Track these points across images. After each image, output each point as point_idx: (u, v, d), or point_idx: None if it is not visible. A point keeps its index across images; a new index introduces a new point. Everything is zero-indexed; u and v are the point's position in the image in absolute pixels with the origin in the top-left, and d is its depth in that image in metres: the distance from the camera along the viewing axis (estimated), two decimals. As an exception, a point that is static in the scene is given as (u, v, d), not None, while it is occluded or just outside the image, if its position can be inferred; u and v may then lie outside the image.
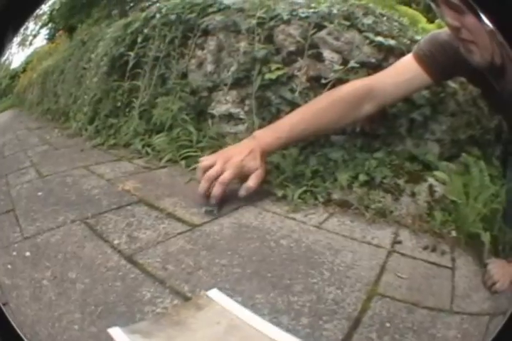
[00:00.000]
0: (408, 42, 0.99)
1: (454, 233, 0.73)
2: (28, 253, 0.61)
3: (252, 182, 0.69)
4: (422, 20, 1.84)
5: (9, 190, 0.92)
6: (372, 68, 0.92)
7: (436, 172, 0.81)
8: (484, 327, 0.55)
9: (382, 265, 0.60)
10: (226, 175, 0.68)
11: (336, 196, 0.73)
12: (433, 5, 0.71)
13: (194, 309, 0.38)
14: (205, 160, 0.71)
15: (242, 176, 0.70)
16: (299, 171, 0.76)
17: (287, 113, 0.90)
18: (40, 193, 0.85)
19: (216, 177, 0.68)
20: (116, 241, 0.60)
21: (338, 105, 0.75)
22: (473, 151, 0.91)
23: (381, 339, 0.48)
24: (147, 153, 0.92)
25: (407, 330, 0.50)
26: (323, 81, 0.87)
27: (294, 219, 0.66)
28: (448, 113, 0.96)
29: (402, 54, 0.94)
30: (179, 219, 0.66)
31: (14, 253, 0.62)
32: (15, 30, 0.50)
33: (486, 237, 0.68)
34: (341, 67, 0.88)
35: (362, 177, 0.75)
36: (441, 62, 0.75)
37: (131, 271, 0.53)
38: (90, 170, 0.91)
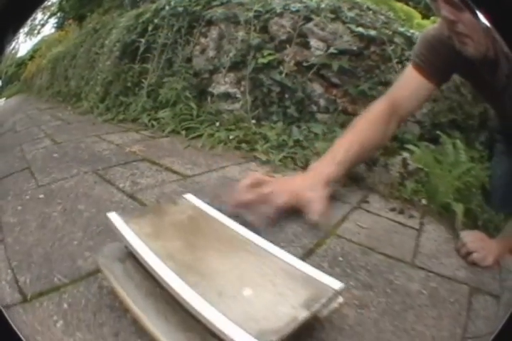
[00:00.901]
0: (391, 33, 1.14)
1: (424, 201, 0.79)
2: (41, 196, 0.72)
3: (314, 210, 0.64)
4: (417, 16, 1.98)
5: (24, 155, 1.03)
6: (354, 55, 1.08)
7: (409, 146, 0.89)
8: (464, 298, 0.59)
9: (344, 215, 0.70)
10: (280, 201, 0.64)
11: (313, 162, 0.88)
12: None
13: (172, 204, 0.52)
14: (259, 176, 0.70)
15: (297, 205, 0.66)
16: (283, 141, 0.90)
17: (277, 93, 1.06)
18: (55, 155, 0.98)
19: (263, 196, 0.64)
20: (121, 185, 0.74)
21: (374, 128, 0.77)
22: (453, 134, 0.98)
23: (332, 269, 0.55)
24: (152, 126, 1.07)
25: (360, 268, 0.56)
26: (304, 63, 1.02)
27: (271, 175, 0.80)
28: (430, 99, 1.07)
29: (383, 43, 1.09)
30: (175, 172, 0.80)
31: (27, 197, 0.72)
32: (15, 31, 0.50)
33: (457, 207, 0.73)
34: (322, 52, 1.03)
35: (337, 147, 0.89)
36: (438, 64, 0.77)
37: (130, 203, 0.66)
38: (101, 138, 1.06)
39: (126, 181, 0.76)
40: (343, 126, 0.99)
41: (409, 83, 0.80)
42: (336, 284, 0.39)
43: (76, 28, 2.43)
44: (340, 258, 0.57)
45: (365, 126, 0.76)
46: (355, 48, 1.08)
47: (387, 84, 1.00)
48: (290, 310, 0.34)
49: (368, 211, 0.73)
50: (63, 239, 0.57)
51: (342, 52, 1.07)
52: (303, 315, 0.34)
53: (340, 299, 0.43)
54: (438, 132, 0.98)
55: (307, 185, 0.68)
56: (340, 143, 0.75)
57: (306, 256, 0.56)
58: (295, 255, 0.45)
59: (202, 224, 0.45)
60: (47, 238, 0.57)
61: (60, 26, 2.54)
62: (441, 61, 0.76)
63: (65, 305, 0.46)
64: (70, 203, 0.68)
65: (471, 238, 0.70)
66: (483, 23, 0.61)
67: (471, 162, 0.88)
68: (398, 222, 0.71)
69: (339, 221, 0.69)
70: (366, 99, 1.03)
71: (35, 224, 0.62)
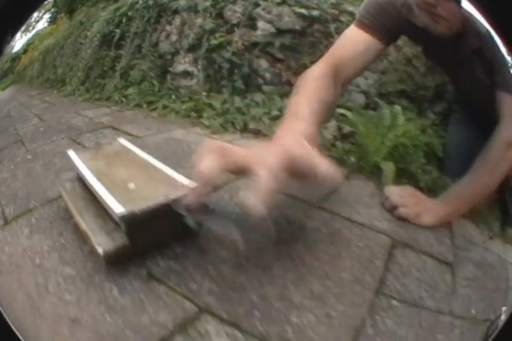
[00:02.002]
0: (337, 12, 1.30)
1: (353, 159, 0.82)
2: (29, 157, 0.93)
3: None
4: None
5: (17, 132, 1.21)
6: (297, 33, 1.24)
7: (342, 110, 0.94)
8: (381, 248, 0.60)
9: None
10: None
11: (251, 126, 1.06)
12: None
13: (109, 145, 0.71)
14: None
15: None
16: (226, 109, 1.08)
17: (227, 70, 1.24)
18: (41, 129, 1.18)
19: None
20: (87, 145, 0.94)
21: (322, 88, 0.69)
22: (400, 102, 1.01)
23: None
24: (121, 101, 1.26)
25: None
26: (251, 43, 1.20)
27: (210, 137, 0.99)
28: (377, 70, 1.14)
29: (327, 21, 1.26)
30: (130, 134, 0.99)
31: (18, 159, 0.93)
32: (14, 31, 0.53)
33: (386, 165, 0.76)
34: (264, 32, 1.21)
35: (273, 112, 1.07)
36: (387, 25, 0.75)
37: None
38: (79, 113, 1.26)
39: (91, 142, 0.96)
40: (284, 95, 1.17)
41: (353, 42, 0.76)
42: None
43: (67, 20, 2.62)
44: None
45: (314, 86, 0.69)
46: (298, 27, 1.25)
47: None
48: (159, 197, 0.52)
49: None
50: (41, 181, 0.78)
51: (286, 32, 1.24)
52: (164, 198, 0.52)
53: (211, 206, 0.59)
54: (377, 99, 1.05)
55: (292, 142, 0.50)
56: (297, 104, 0.64)
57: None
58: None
59: (122, 154, 0.65)
60: (30, 182, 0.79)
61: (53, 21, 2.74)
62: (390, 23, 0.74)
63: (33, 220, 0.65)
64: (48, 159, 0.90)
65: (397, 192, 0.70)
66: (463, 8, 0.64)
67: (423, 131, 0.92)
68: None
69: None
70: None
71: (22, 175, 0.83)
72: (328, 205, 0.68)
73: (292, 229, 0.61)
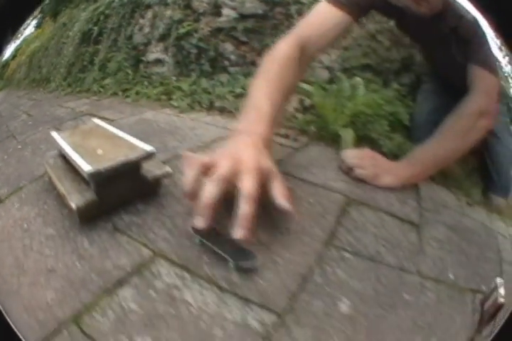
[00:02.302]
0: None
1: (313, 128, 0.87)
2: (19, 146, 1.02)
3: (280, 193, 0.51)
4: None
5: (9, 129, 1.30)
6: (260, 17, 1.32)
7: (303, 85, 0.96)
8: (333, 204, 0.62)
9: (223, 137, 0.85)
10: (249, 185, 0.48)
11: (217, 104, 1.14)
12: None
13: (85, 124, 0.81)
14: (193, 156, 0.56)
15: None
16: (194, 90, 1.17)
17: (195, 54, 1.33)
18: (30, 123, 1.29)
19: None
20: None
21: (288, 70, 0.70)
22: (364, 76, 1.05)
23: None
24: (100, 91, 1.36)
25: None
26: (215, 28, 1.29)
27: (178, 116, 1.08)
28: (341, 47, 1.17)
29: (288, 4, 1.33)
30: (105, 118, 1.06)
31: (10, 150, 1.01)
32: (14, 31, 0.56)
33: (344, 131, 0.79)
34: (228, 18, 1.29)
35: (237, 90, 1.15)
36: (358, 1, 0.75)
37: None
38: (61, 105, 1.36)
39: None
40: (248, 75, 1.25)
41: (323, 19, 0.75)
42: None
43: (51, 23, 2.71)
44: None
45: (278, 69, 0.69)
46: (260, 12, 1.33)
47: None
48: (121, 157, 0.62)
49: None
50: (30, 164, 0.87)
51: (249, 16, 1.32)
52: (125, 158, 0.62)
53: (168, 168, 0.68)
54: (337, 73, 1.10)
55: (261, 155, 0.54)
56: (260, 94, 0.64)
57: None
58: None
59: (95, 130, 0.75)
60: (20, 167, 0.88)
61: (39, 25, 2.83)
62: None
63: (23, 195, 0.73)
64: (35, 145, 0.99)
65: (354, 154, 0.71)
66: None
67: (384, 100, 0.93)
68: (279, 143, 0.83)
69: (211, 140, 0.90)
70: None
71: (14, 162, 0.92)
72: (282, 168, 0.70)
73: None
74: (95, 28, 1.70)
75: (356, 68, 1.13)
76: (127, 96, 1.20)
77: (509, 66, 0.75)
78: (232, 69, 1.30)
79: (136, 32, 1.52)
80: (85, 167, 0.59)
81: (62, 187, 0.65)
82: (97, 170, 0.59)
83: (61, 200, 0.66)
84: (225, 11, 1.35)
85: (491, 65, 0.73)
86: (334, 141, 0.83)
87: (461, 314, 0.51)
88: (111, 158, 0.62)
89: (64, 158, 0.71)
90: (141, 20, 1.55)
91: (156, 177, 0.67)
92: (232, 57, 1.30)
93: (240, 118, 0.63)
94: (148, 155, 0.64)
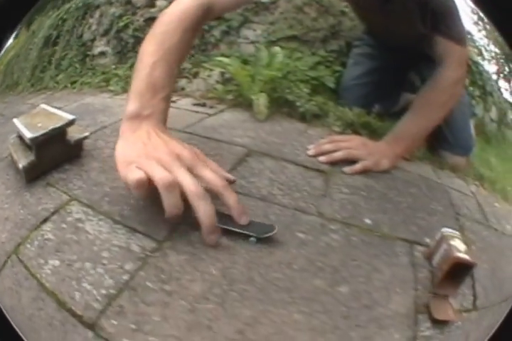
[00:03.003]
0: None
1: (230, 96, 0.94)
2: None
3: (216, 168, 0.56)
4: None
5: None
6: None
7: (219, 58, 1.05)
8: (235, 156, 0.70)
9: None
10: (190, 183, 0.49)
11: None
12: None
13: (34, 109, 0.99)
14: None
15: None
16: (128, 74, 1.32)
17: (132, 44, 1.48)
18: (2, 121, 1.46)
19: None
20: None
21: (185, 37, 0.69)
22: (289, 46, 1.09)
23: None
24: (54, 87, 1.53)
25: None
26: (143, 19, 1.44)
27: (112, 98, 1.23)
28: (266, 22, 1.23)
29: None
30: (54, 107, 1.24)
31: None
32: (13, 28, 0.61)
33: (258, 96, 0.83)
34: (160, 8, 1.44)
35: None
36: None
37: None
38: (25, 103, 1.53)
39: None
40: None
41: None
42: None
43: (25, 32, 2.89)
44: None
45: (179, 35, 0.67)
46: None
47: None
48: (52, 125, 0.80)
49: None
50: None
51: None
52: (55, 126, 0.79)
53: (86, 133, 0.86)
54: (256, 44, 1.13)
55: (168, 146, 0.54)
56: (156, 66, 0.62)
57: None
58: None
59: (41, 112, 0.95)
60: None
61: (16, 36, 3.02)
62: None
63: None
64: (5, 136, 1.09)
65: (347, 145, 0.70)
66: None
67: (307, 66, 0.98)
68: (194, 111, 0.92)
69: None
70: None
71: None
72: (191, 129, 0.83)
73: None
74: (54, 32, 1.88)
75: (281, 40, 1.14)
76: (74, 88, 1.36)
77: (485, 39, 0.83)
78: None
79: (86, 30, 1.69)
80: (27, 134, 0.79)
81: (15, 156, 0.85)
82: (34, 136, 0.78)
83: (16, 168, 0.84)
84: (159, 2, 1.50)
85: (462, 37, 0.79)
86: (249, 106, 0.88)
87: (391, 265, 0.52)
88: (45, 127, 0.82)
89: (20, 137, 0.90)
90: (90, 20, 1.71)
91: (78, 140, 0.86)
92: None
93: (131, 97, 0.61)
94: (70, 122, 0.84)
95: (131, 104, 0.58)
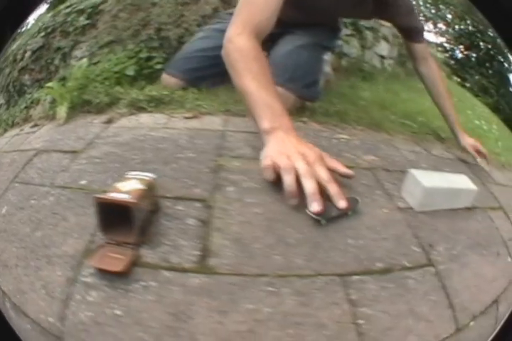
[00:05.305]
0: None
1: (51, 112, 0.97)
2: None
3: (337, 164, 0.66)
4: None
5: None
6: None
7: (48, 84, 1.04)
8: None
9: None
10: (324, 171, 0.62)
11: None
12: None
13: None
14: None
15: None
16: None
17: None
18: None
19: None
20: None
21: (264, 64, 0.75)
22: (105, 51, 1.15)
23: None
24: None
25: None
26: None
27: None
28: (90, 37, 1.24)
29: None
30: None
31: None
32: (13, 29, 0.59)
33: (60, 106, 0.92)
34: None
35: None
36: None
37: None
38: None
39: None
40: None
41: (269, 4, 0.79)
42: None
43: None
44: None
45: (257, 65, 0.74)
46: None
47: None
48: None
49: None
50: None
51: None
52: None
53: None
54: (83, 59, 1.14)
55: (304, 145, 0.66)
56: (261, 93, 0.70)
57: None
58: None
59: None
60: None
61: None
62: None
63: None
64: None
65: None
66: None
67: (115, 64, 1.08)
68: None
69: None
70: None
71: None
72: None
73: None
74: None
75: (102, 48, 1.20)
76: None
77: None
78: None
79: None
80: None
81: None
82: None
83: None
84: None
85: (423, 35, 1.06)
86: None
87: (78, 215, 0.58)
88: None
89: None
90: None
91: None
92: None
93: (259, 119, 0.70)
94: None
95: (266, 124, 0.69)
